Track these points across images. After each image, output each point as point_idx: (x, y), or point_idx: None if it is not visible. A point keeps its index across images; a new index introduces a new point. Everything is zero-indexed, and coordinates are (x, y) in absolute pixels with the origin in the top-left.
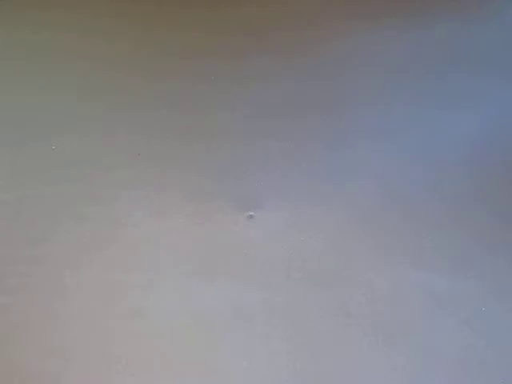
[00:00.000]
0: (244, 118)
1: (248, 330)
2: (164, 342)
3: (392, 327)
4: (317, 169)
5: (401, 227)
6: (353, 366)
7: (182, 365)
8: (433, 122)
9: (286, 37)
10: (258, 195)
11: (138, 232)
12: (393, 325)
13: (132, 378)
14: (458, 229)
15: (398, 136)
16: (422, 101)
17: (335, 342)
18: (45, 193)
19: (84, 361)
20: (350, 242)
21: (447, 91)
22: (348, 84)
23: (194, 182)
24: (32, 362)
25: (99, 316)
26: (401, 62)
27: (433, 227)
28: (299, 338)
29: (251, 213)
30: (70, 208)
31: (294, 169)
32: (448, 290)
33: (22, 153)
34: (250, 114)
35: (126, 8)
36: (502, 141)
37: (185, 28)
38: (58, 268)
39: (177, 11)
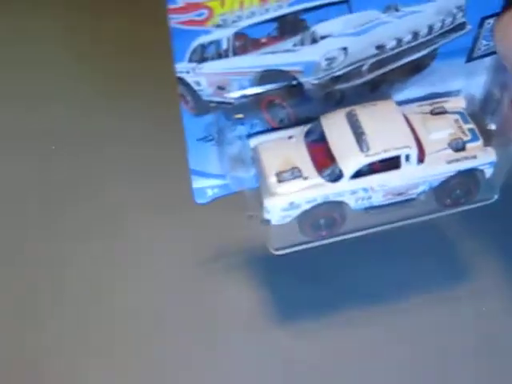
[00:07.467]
0: None
1: (249, 331)
2: (164, 342)
3: (391, 324)
4: None
5: None
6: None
7: (182, 365)
8: None
9: None
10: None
11: (138, 231)
12: (392, 322)
13: (131, 378)
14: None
15: None
16: None
17: None
18: (44, 190)
19: (83, 360)
20: None
21: None
22: None
23: None
24: (30, 362)
25: (97, 315)
26: None
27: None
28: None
29: (251, 213)
30: (69, 207)
31: None
32: (448, 290)
33: (21, 152)
34: None
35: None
36: None
37: None
38: (56, 267)
39: None
